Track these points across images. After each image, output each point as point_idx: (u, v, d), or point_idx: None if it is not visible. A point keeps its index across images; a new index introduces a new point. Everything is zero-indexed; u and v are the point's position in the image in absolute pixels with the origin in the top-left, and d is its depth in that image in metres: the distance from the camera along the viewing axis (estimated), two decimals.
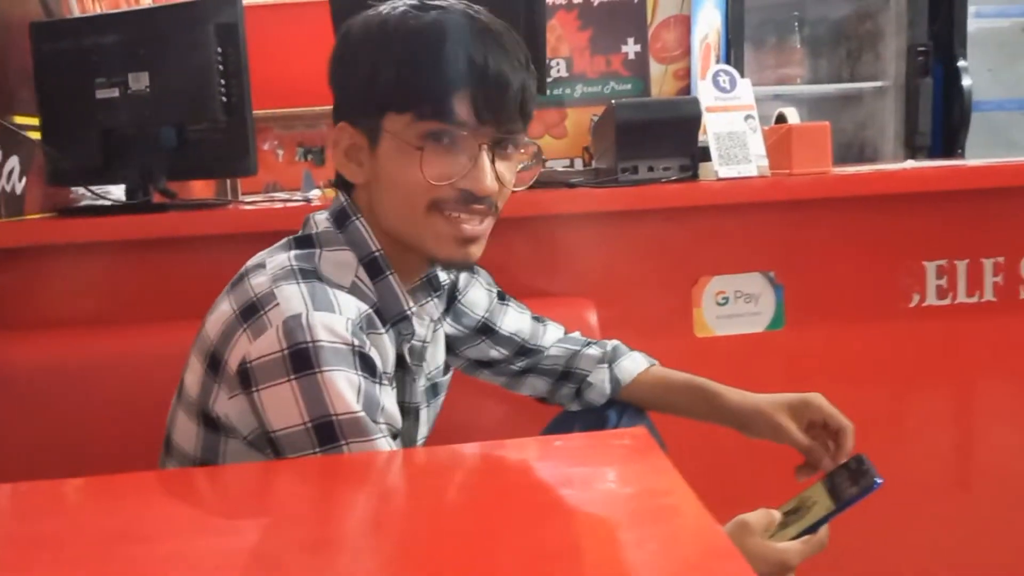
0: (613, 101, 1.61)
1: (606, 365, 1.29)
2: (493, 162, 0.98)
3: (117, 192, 1.73)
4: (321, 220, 1.04)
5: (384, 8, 0.99)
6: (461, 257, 1.01)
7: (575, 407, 1.31)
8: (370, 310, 0.98)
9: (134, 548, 0.68)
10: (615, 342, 1.33)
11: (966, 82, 2.99)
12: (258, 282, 0.96)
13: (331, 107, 1.04)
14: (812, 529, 1.00)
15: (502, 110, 0.97)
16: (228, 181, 2.82)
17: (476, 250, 1.01)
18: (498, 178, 0.99)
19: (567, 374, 1.30)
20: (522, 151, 1.04)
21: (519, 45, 1.00)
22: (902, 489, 1.63)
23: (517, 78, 0.97)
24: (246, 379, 0.92)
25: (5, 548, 0.73)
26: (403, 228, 1.00)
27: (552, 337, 1.31)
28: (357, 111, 0.99)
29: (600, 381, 1.29)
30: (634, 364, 1.30)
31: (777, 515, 1.01)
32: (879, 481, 1.00)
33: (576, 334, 1.34)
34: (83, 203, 1.79)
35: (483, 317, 1.26)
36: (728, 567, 0.58)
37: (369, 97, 0.97)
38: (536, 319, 1.31)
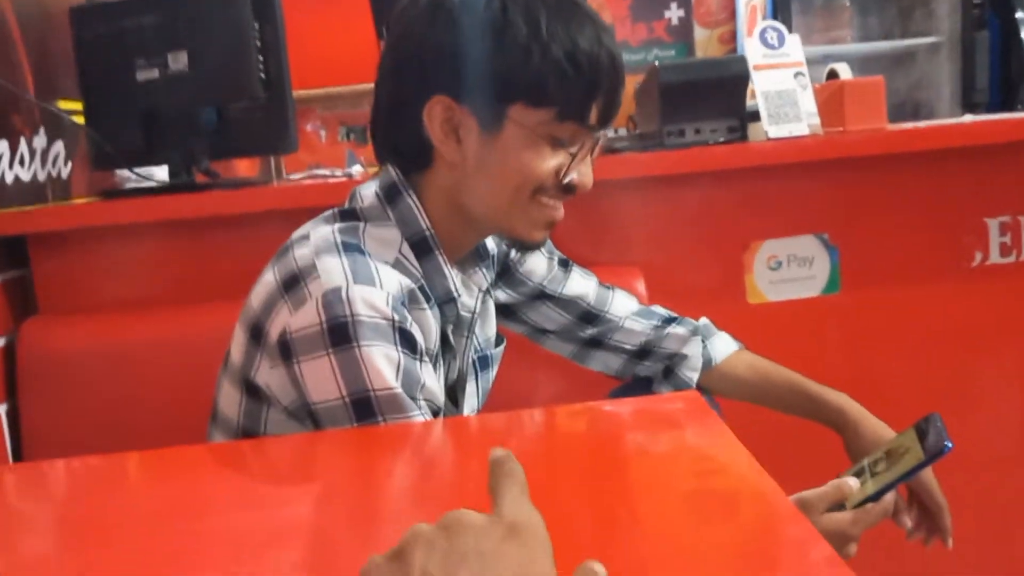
0: (657, 62, 1.57)
1: (699, 338, 1.25)
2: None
3: (161, 174, 1.73)
4: (368, 194, 1.02)
5: None
6: (542, 239, 1.04)
7: (665, 388, 1.25)
8: (413, 285, 0.96)
9: (185, 522, 0.68)
10: (705, 319, 1.28)
11: None
12: (301, 253, 0.95)
13: (373, 85, 1.01)
14: (875, 496, 0.96)
15: (616, 113, 0.99)
16: (272, 163, 2.83)
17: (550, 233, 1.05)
18: None
19: (646, 352, 1.25)
20: None
21: None
22: (967, 458, 1.57)
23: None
24: (286, 350, 0.91)
25: (59, 523, 0.73)
26: (496, 212, 1.00)
27: (623, 307, 1.26)
28: (468, 90, 0.95)
29: (695, 356, 1.24)
30: (725, 345, 1.26)
31: (852, 485, 0.96)
32: (948, 446, 0.94)
33: (656, 307, 1.29)
34: (128, 186, 1.80)
35: (540, 284, 1.23)
36: (791, 528, 0.56)
37: (499, 83, 0.94)
38: (604, 286, 1.27)
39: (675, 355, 1.24)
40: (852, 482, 0.97)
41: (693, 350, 1.24)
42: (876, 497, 0.95)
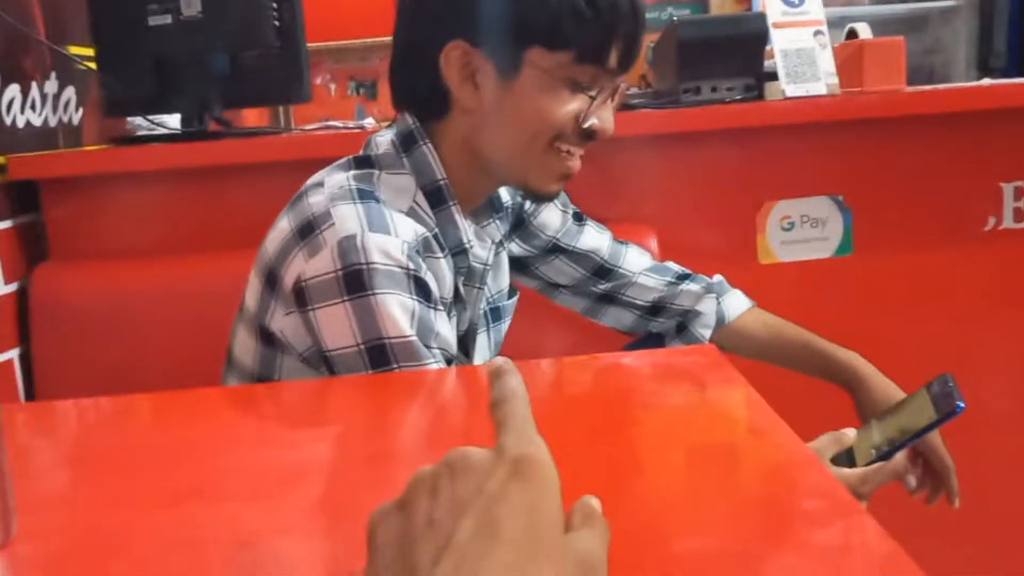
0: (675, 18, 1.55)
1: (714, 295, 1.24)
2: None
3: (173, 123, 1.72)
4: (383, 142, 1.01)
5: None
6: (556, 191, 1.04)
7: (677, 345, 1.25)
8: (428, 234, 0.96)
9: (200, 460, 0.68)
10: (719, 276, 1.28)
11: None
12: (315, 200, 0.95)
13: (383, 38, 1.01)
14: (886, 455, 0.96)
15: (636, 58, 0.98)
16: (282, 114, 2.82)
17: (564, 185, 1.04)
18: None
19: (659, 308, 1.25)
20: None
21: None
22: (976, 421, 1.57)
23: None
24: (301, 297, 0.91)
25: (74, 461, 0.73)
26: (512, 160, 0.99)
27: (637, 262, 1.26)
28: (486, 35, 0.95)
29: (708, 313, 1.23)
30: (739, 302, 1.26)
31: (850, 435, 0.98)
32: (961, 406, 0.94)
33: (669, 264, 1.28)
34: (139, 133, 1.79)
35: (554, 237, 1.23)
36: (809, 474, 0.56)
37: (516, 26, 0.93)
38: (618, 241, 1.26)
39: (688, 312, 1.24)
40: (849, 432, 0.98)
41: (707, 307, 1.24)
42: (887, 456, 0.95)
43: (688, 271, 1.27)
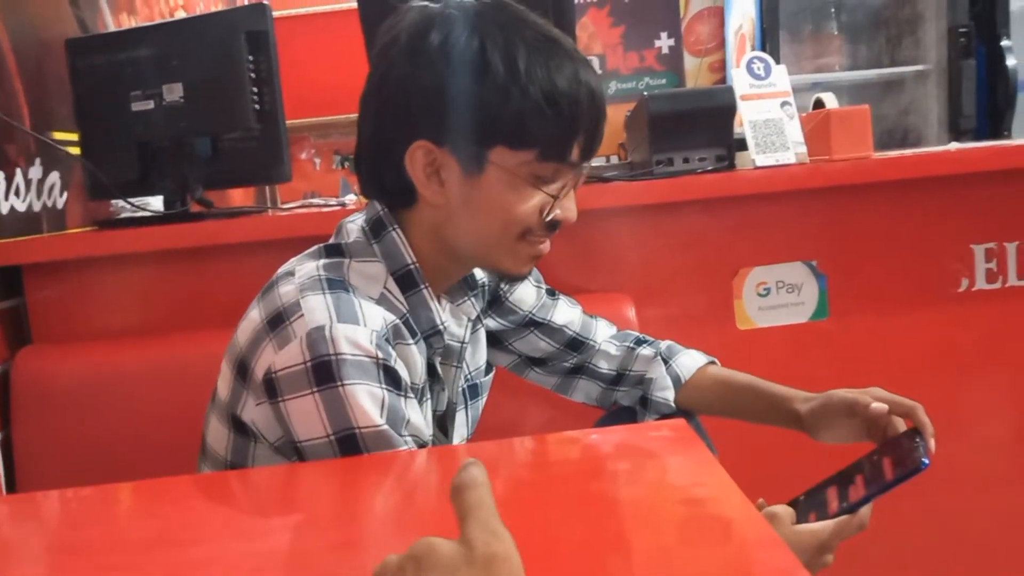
0: (646, 93, 1.59)
1: (660, 361, 1.25)
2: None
3: (156, 204, 1.75)
4: (353, 229, 1.03)
5: (463, 25, 0.94)
6: (528, 271, 1.05)
7: (650, 418, 1.25)
8: (398, 320, 0.96)
9: (172, 553, 0.69)
10: (669, 341, 1.29)
11: (1010, 62, 2.92)
12: (285, 291, 0.96)
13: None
14: (852, 509, 0.96)
15: (598, 148, 0.99)
16: (267, 191, 2.85)
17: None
18: None
19: (620, 376, 1.26)
20: None
21: None
22: (955, 482, 1.57)
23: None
24: (271, 389, 0.92)
25: (48, 554, 0.74)
26: (483, 250, 1.01)
27: (603, 333, 1.28)
28: (449, 134, 0.95)
29: (661, 376, 1.24)
30: (692, 360, 1.26)
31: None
32: (926, 463, 0.95)
33: (630, 331, 1.30)
34: (123, 216, 1.81)
35: (530, 313, 1.24)
36: (774, 557, 0.57)
37: (479, 126, 0.94)
38: (588, 315, 1.28)
39: (643, 379, 1.25)
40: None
41: (657, 372, 1.24)
42: (853, 509, 0.96)
43: (646, 337, 1.29)
